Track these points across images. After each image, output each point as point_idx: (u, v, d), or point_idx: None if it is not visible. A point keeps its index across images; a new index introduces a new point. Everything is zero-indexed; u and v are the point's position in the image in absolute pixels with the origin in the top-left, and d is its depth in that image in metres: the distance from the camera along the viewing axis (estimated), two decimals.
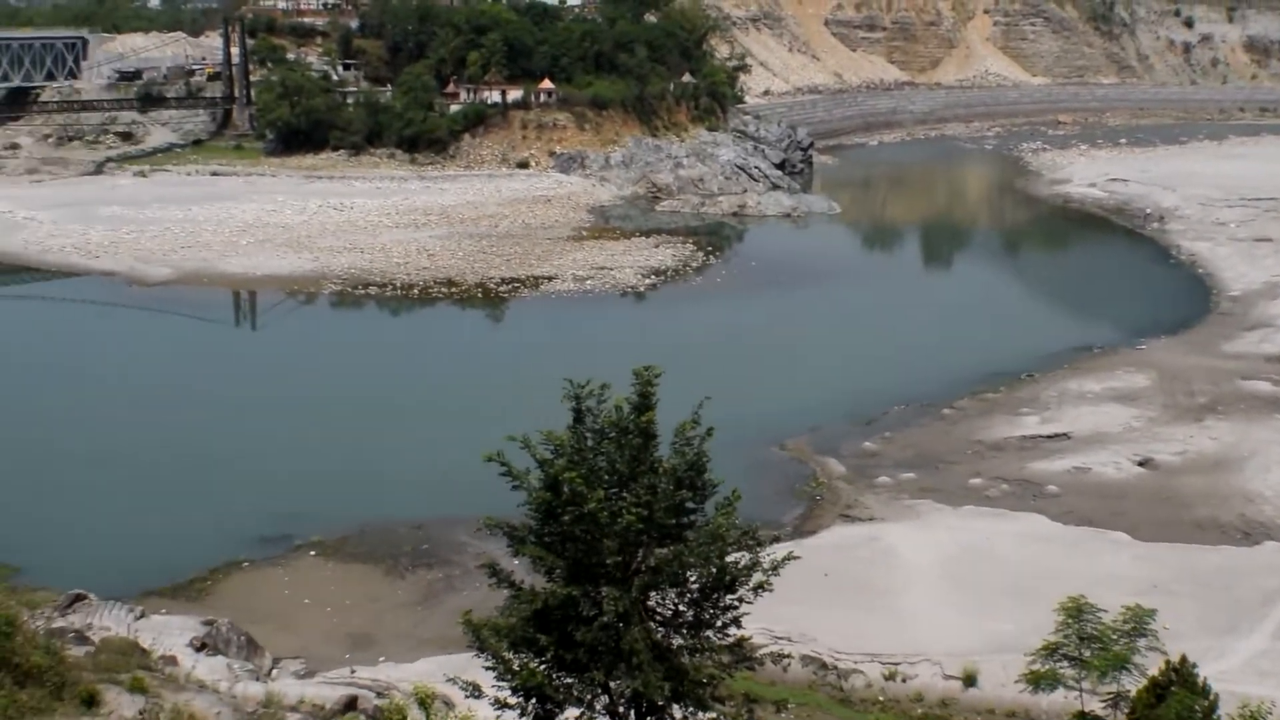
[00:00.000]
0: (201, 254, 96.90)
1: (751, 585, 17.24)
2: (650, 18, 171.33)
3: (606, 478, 17.17)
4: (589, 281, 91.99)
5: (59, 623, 29.99)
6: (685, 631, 17.53)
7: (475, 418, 55.50)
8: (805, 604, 36.81)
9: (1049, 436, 58.11)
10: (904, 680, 35.29)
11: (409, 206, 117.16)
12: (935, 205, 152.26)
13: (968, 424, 60.38)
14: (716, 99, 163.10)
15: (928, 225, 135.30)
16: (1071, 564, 41.79)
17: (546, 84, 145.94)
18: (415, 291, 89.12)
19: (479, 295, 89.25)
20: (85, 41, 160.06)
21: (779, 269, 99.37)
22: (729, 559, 17.21)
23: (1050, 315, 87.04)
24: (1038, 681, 26.50)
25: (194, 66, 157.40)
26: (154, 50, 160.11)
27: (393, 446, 56.18)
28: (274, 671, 34.01)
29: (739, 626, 17.62)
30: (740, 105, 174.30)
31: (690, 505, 17.35)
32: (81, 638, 28.02)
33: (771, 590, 17.32)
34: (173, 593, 41.82)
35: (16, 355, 74.94)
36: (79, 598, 33.91)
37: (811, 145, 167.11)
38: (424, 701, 20.78)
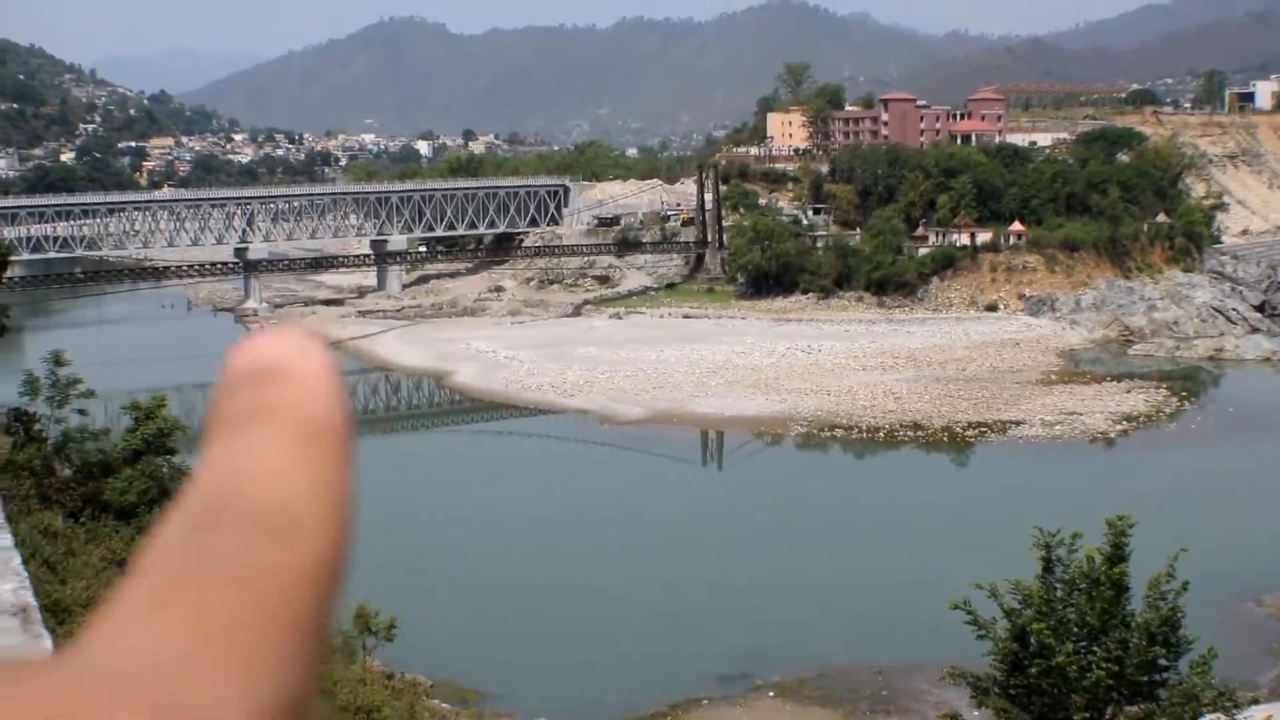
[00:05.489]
0: (672, 394, 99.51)
1: None
2: (1123, 157, 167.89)
3: (1076, 630, 16.82)
4: (1058, 427, 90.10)
5: None
6: None
7: (939, 562, 54.89)
8: None
9: None
10: None
11: (876, 349, 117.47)
12: None
13: None
14: (1192, 239, 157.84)
15: None
16: None
17: (1017, 226, 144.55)
18: (880, 434, 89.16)
19: (945, 439, 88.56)
20: (567, 189, 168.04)
21: (1259, 415, 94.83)
22: None
23: None
24: None
25: (669, 212, 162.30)
26: (631, 197, 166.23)
27: (854, 588, 56.11)
28: None
29: None
30: (1217, 245, 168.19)
31: (1163, 662, 16.83)
32: None
33: None
34: None
35: (493, 489, 78.11)
36: None
37: None
38: None
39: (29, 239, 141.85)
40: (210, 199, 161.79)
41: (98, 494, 37.41)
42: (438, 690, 43.35)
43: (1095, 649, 16.45)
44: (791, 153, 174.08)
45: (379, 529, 63.49)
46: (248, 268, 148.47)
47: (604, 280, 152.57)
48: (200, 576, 0.66)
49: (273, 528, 0.66)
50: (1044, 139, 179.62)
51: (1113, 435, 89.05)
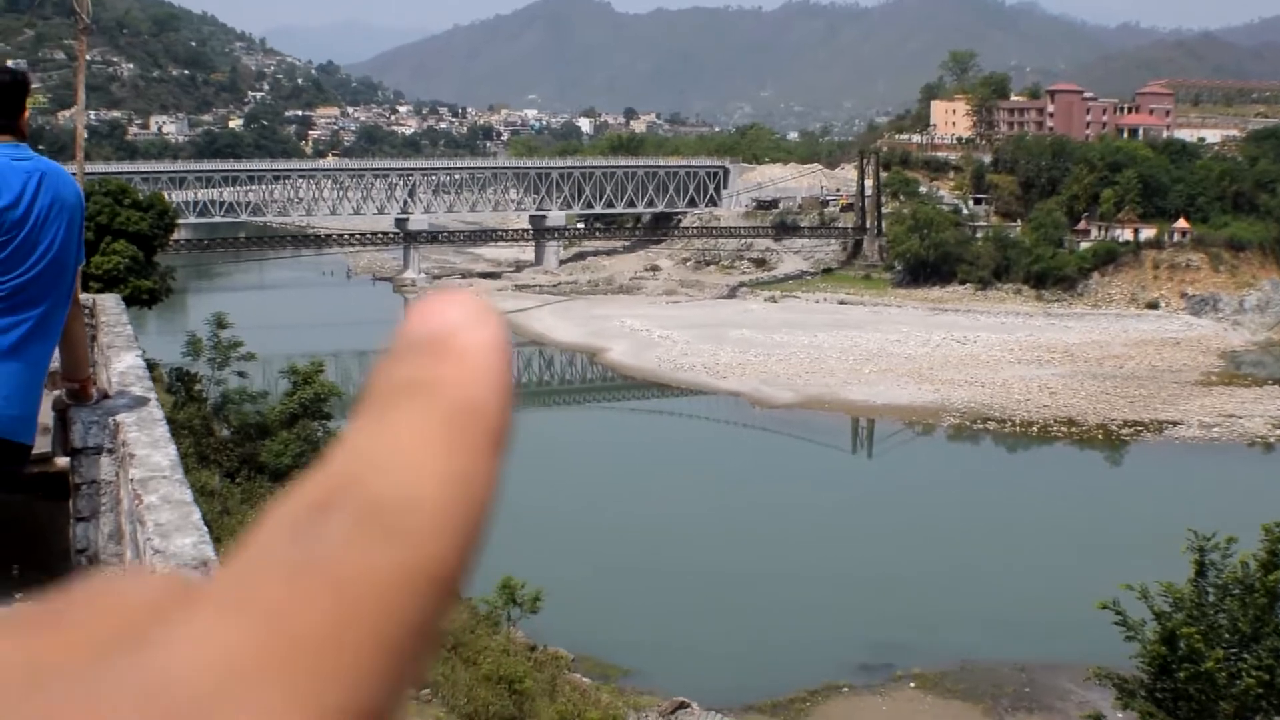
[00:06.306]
0: (824, 380, 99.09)
1: None
2: None
3: (1227, 637, 16.52)
4: (1216, 429, 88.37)
5: None
6: None
7: (1088, 561, 54.12)
8: None
9: None
10: None
11: (1032, 343, 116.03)
12: None
13: None
14: None
15: None
16: None
17: (1182, 223, 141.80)
18: (1034, 429, 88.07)
19: (1099, 436, 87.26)
20: (726, 171, 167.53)
21: None
22: None
23: None
24: None
25: (828, 198, 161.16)
26: (790, 181, 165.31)
27: (1000, 583, 55.44)
28: None
29: None
30: None
31: None
32: None
33: None
34: (772, 709, 42.66)
35: (641, 468, 78.21)
36: (682, 705, 35.32)
37: None
38: None
39: (195, 203, 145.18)
40: (373, 169, 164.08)
41: (254, 455, 38.24)
42: (579, 664, 43.65)
43: (1246, 656, 16.15)
44: (954, 141, 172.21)
45: (526, 503, 64.18)
46: (408, 238, 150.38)
47: (760, 263, 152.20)
48: (290, 575, 0.58)
49: (386, 525, 0.58)
50: (1213, 135, 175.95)
51: (1272, 440, 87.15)
